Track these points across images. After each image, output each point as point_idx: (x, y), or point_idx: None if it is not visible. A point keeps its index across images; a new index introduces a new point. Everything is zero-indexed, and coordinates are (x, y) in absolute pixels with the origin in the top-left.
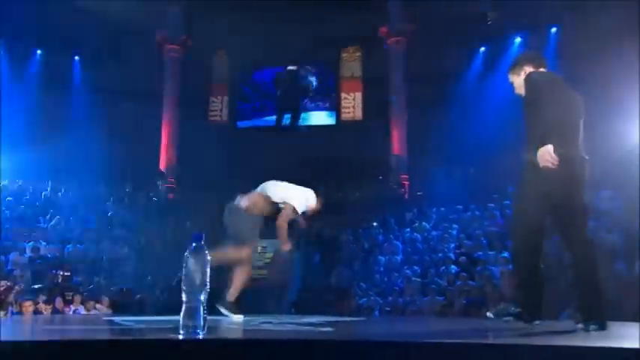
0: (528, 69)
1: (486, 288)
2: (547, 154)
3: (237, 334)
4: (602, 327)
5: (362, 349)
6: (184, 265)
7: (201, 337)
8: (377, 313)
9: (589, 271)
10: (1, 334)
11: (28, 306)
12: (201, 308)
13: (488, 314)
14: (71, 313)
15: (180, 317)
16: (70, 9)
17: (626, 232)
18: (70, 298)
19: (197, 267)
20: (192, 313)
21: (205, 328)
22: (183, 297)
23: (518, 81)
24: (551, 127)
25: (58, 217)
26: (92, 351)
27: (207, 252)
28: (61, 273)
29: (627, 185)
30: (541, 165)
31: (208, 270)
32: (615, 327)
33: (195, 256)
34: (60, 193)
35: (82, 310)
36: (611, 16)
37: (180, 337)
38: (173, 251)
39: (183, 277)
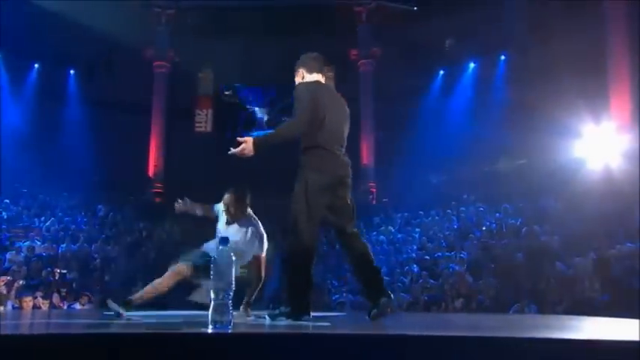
0: (303, 72)
1: (445, 285)
2: (247, 147)
3: (262, 330)
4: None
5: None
6: (212, 265)
7: (230, 331)
8: (349, 308)
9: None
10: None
11: (29, 301)
12: (229, 305)
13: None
14: (65, 308)
15: (209, 313)
16: (66, 26)
17: (565, 235)
18: (64, 294)
19: (224, 267)
20: (221, 310)
21: (232, 323)
22: (212, 295)
23: (297, 82)
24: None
25: (52, 218)
26: (126, 345)
27: (232, 254)
28: (57, 270)
29: (566, 192)
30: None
31: (233, 270)
32: (554, 319)
33: (222, 257)
34: (54, 196)
35: (77, 305)
36: (553, 48)
37: (210, 331)
38: (160, 250)
39: (211, 277)
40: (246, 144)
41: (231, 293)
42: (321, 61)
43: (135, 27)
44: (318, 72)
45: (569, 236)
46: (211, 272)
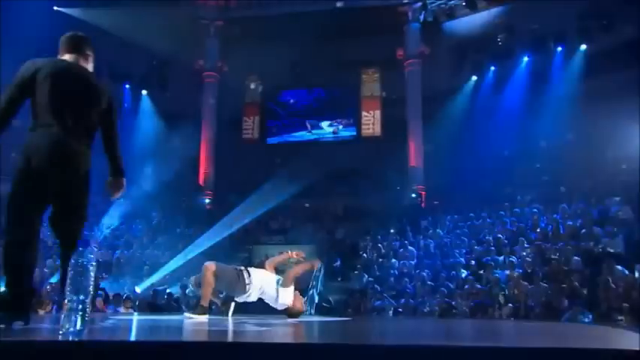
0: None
1: (493, 291)
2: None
3: (115, 337)
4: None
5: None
6: (70, 269)
7: (79, 338)
8: (390, 313)
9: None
10: None
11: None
12: (85, 310)
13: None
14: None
15: (62, 319)
16: (121, 43)
17: (628, 238)
18: (111, 298)
19: (81, 271)
20: (73, 315)
21: (86, 329)
22: (66, 299)
23: None
24: None
25: (110, 226)
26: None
27: (92, 256)
28: (102, 275)
29: (634, 192)
30: None
31: (92, 275)
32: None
33: (79, 262)
34: (109, 204)
35: (122, 309)
36: (617, 38)
37: (60, 338)
38: (212, 255)
39: (68, 281)
40: None
41: (87, 300)
42: (68, 42)
43: (185, 40)
44: (67, 53)
45: (634, 239)
46: (68, 277)
